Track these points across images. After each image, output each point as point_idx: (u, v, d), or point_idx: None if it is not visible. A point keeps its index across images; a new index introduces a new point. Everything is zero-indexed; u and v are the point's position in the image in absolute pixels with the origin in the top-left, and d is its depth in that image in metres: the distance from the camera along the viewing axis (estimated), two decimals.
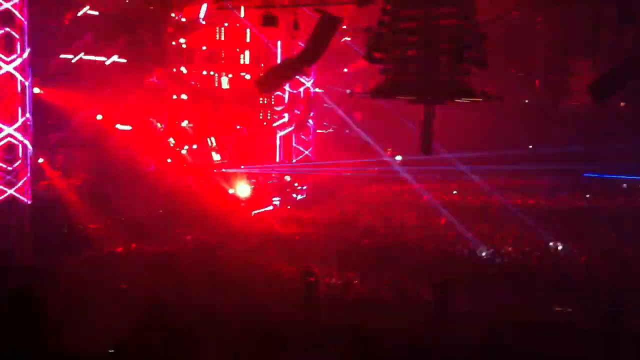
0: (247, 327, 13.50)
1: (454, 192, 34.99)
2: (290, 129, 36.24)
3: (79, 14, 24.49)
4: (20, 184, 21.34)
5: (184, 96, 31.13)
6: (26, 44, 20.74)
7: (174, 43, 30.31)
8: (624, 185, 35.81)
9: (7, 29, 20.39)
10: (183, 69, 31.17)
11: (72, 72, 25.18)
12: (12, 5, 20.37)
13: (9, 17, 20.47)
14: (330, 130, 41.36)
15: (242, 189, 32.43)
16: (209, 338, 12.95)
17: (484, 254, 21.56)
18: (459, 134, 33.39)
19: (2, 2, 20.24)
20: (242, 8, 31.75)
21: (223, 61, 33.70)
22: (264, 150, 35.99)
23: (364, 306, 15.43)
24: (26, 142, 21.35)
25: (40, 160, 24.14)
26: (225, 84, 34.25)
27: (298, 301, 15.78)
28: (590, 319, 14.35)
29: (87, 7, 24.66)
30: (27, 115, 21.24)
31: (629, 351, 12.34)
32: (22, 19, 20.60)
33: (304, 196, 35.30)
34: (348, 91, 23.06)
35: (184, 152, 31.26)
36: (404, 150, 38.16)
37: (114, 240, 23.26)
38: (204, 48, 32.83)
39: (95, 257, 21.50)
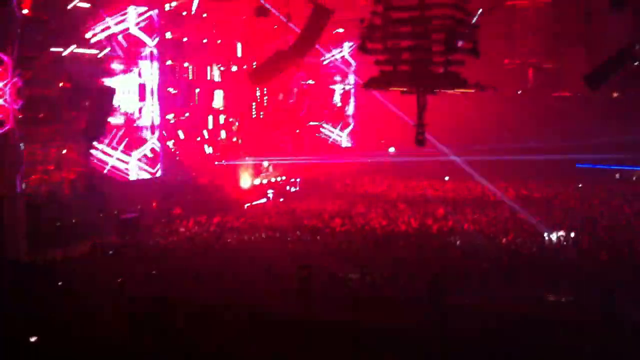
0: (241, 322, 13.43)
1: (446, 178, 35.17)
2: None
3: (69, 6, 24.30)
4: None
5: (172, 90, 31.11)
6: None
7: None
8: (617, 175, 35.94)
9: None
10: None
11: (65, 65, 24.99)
12: None
13: None
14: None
15: (244, 181, 32.67)
16: (204, 333, 12.90)
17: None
18: (452, 125, 33.39)
19: None
20: None
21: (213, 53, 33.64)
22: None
23: (359, 301, 15.32)
24: None
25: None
26: (217, 77, 34.15)
27: (293, 296, 15.68)
28: (586, 308, 14.36)
29: None
30: None
31: (624, 340, 12.35)
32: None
33: (297, 188, 35.27)
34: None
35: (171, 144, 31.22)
36: (397, 142, 38.25)
37: (108, 234, 23.20)
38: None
39: (89, 251, 21.41)
